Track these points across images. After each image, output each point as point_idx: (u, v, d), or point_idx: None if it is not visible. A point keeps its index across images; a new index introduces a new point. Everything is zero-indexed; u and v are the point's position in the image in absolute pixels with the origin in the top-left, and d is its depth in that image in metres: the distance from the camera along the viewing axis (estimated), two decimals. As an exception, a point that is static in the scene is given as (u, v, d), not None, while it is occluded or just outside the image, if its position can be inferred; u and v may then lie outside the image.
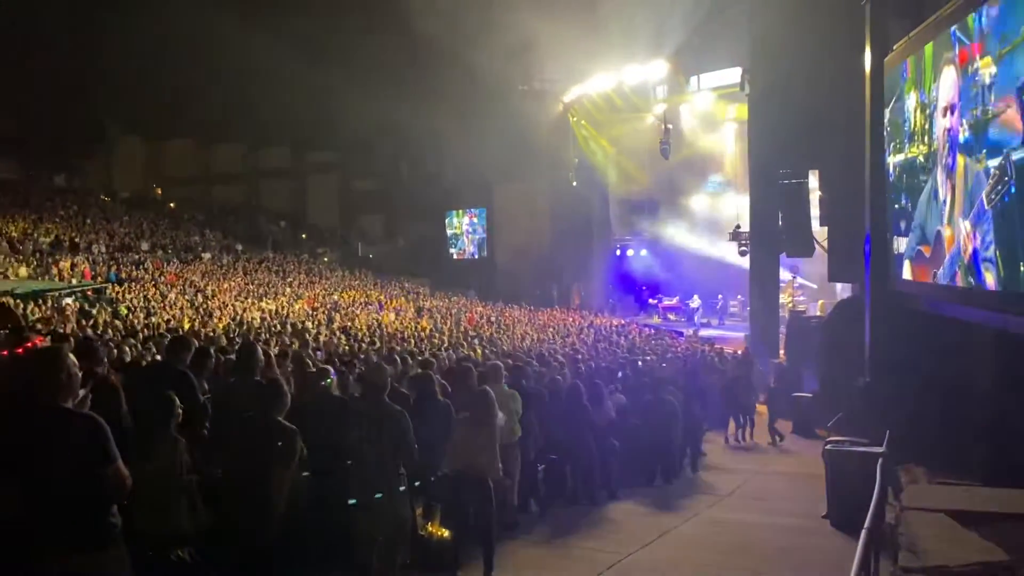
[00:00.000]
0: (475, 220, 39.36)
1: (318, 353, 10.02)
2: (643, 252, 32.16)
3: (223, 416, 4.77)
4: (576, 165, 30.03)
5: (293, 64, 31.10)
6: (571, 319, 25.51)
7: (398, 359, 8.47)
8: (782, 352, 17.68)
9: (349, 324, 19.19)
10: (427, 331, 18.36)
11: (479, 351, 13.06)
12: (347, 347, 12.97)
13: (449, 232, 40.29)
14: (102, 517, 3.05)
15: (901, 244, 9.30)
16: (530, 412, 7.21)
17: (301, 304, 23.61)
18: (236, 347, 7.19)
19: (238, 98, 35.98)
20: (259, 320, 18.70)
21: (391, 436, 4.71)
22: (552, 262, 33.67)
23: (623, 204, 32.29)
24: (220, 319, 18.62)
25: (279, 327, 16.99)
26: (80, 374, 3.18)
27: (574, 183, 30.06)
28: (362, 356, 10.21)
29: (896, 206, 9.44)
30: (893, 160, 9.51)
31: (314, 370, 5.80)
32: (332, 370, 5.71)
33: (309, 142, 41.60)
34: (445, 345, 14.24)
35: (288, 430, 4.33)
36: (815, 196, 15.98)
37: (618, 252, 32.59)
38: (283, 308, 22.22)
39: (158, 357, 8.47)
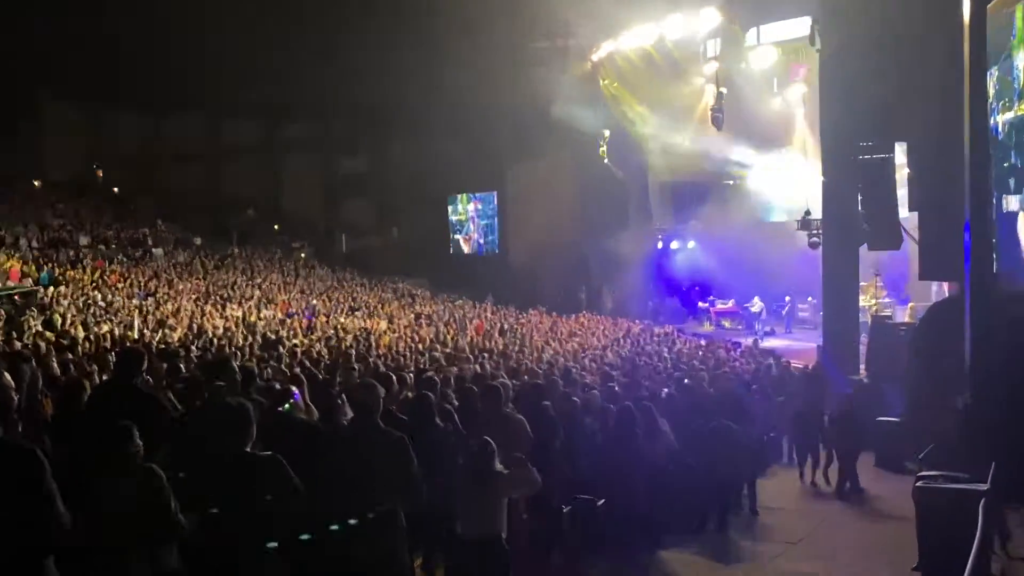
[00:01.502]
0: (481, 207, 39.56)
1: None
2: (691, 245, 32.11)
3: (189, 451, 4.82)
4: (607, 139, 30.07)
5: (265, 18, 31.25)
6: (603, 327, 25.49)
7: (394, 377, 8.52)
8: (863, 367, 17.59)
9: (332, 334, 19.32)
10: (426, 342, 18.42)
11: (487, 367, 13.11)
12: (328, 360, 13.09)
13: (453, 221, 40.40)
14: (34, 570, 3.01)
15: (1012, 202, 9.44)
16: (554, 443, 7.25)
17: (272, 310, 23.76)
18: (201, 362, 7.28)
19: (197, 59, 35.96)
20: (222, 329, 18.85)
21: (386, 467, 4.78)
22: (578, 257, 33.74)
23: (666, 186, 32.27)
24: (175, 328, 18.79)
25: (246, 337, 17.15)
26: (16, 397, 3.23)
27: (605, 160, 30.10)
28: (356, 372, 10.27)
29: (1005, 164, 9.58)
30: (1002, 118, 9.58)
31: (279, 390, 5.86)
32: (295, 391, 5.76)
33: (284, 113, 41.74)
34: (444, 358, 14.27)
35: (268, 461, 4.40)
36: (902, 175, 15.91)
37: (660, 245, 32.58)
38: (251, 314, 22.37)
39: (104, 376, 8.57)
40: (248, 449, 4.42)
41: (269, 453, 4.44)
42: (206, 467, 4.45)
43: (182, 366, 8.65)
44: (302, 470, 4.50)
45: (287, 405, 5.50)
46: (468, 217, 40.23)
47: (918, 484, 7.51)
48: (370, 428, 4.95)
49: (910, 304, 21.91)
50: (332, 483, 4.77)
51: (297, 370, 9.40)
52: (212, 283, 27.14)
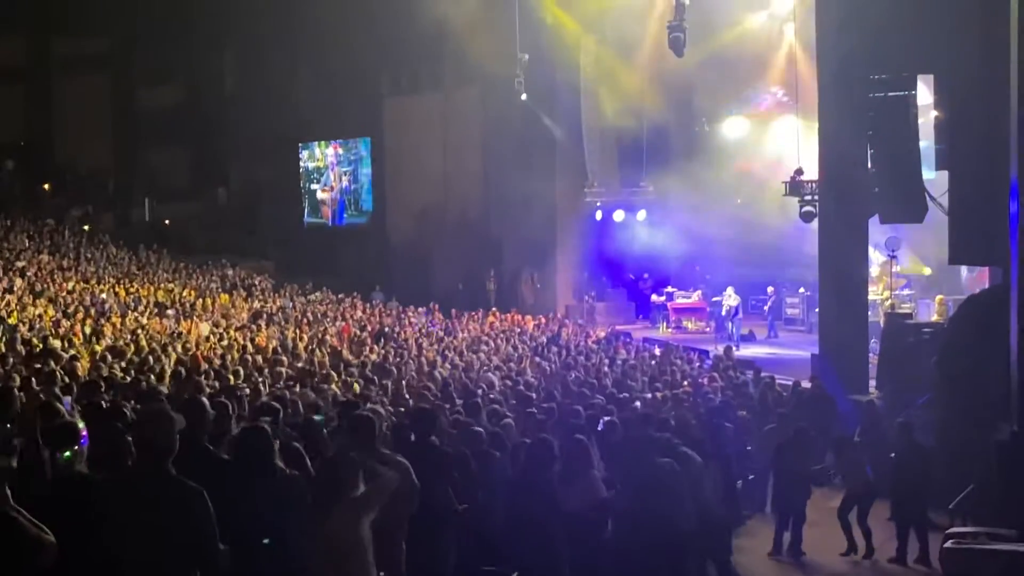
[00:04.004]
0: (345, 158, 39.16)
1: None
2: (641, 216, 32.33)
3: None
4: (526, 67, 29.96)
5: None
6: (520, 331, 25.47)
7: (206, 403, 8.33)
8: (872, 383, 17.96)
9: (127, 341, 18.84)
10: (268, 353, 18.14)
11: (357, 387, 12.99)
12: (123, 378, 12.88)
13: (306, 177, 39.91)
14: None
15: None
16: (445, 490, 7.24)
17: (43, 307, 23.03)
18: None
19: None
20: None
21: (177, 529, 4.77)
22: (485, 233, 33.75)
23: (608, 134, 32.40)
24: None
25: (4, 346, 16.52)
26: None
27: (523, 97, 30.00)
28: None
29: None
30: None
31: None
32: (82, 429, 5.54)
33: (57, 22, 40.44)
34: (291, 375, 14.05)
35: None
36: (928, 120, 16.26)
37: (600, 216, 32.72)
38: (10, 314, 21.62)
39: None
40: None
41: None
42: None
43: None
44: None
45: (67, 453, 5.26)
46: (328, 173, 39.76)
47: (948, 545, 7.64)
48: (155, 477, 4.90)
49: (937, 298, 22.50)
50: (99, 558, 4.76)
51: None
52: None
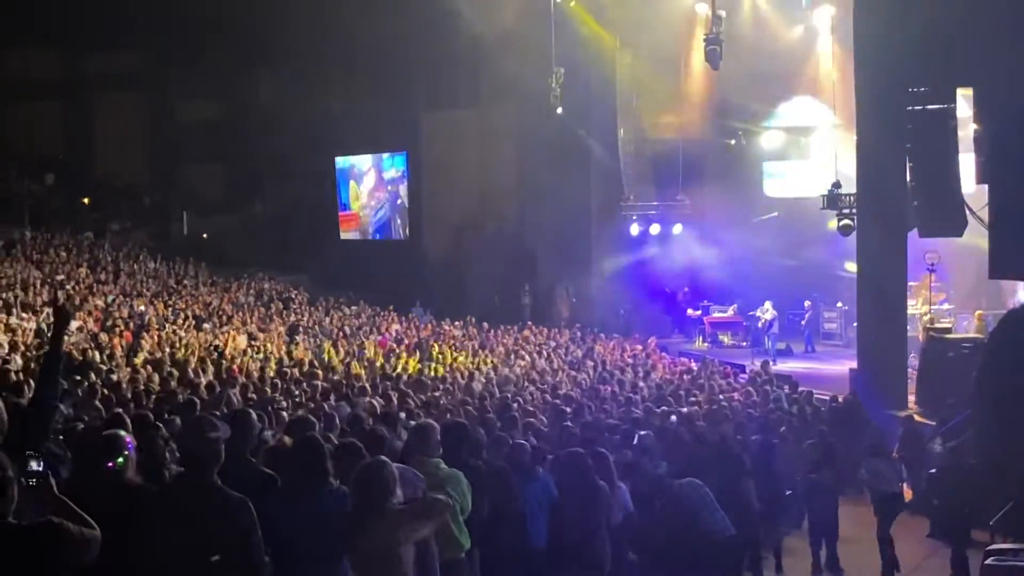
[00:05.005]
0: (385, 174, 39.28)
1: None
2: (677, 230, 32.28)
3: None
4: (561, 81, 30.01)
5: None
6: (555, 344, 25.46)
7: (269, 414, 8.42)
8: (911, 398, 17.82)
9: (167, 353, 18.95)
10: (304, 366, 18.21)
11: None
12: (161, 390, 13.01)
13: (344, 193, 40.08)
14: None
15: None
16: (483, 504, 7.24)
17: (81, 320, 23.23)
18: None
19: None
20: (7, 347, 18.38)
21: (222, 540, 4.78)
22: (521, 247, 33.76)
23: (643, 148, 32.38)
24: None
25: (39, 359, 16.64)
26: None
27: (559, 111, 30.05)
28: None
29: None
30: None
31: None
32: (127, 437, 5.57)
33: (94, 39, 40.83)
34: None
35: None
36: (967, 133, 16.16)
37: (636, 231, 32.68)
38: (47, 326, 21.83)
39: None
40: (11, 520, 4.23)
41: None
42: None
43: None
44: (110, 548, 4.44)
45: (120, 459, 5.30)
46: (364, 187, 39.87)
47: (989, 562, 7.56)
48: (200, 487, 4.92)
49: (977, 313, 22.33)
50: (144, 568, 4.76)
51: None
52: (-9, 281, 26.39)
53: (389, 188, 39.44)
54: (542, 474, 8.26)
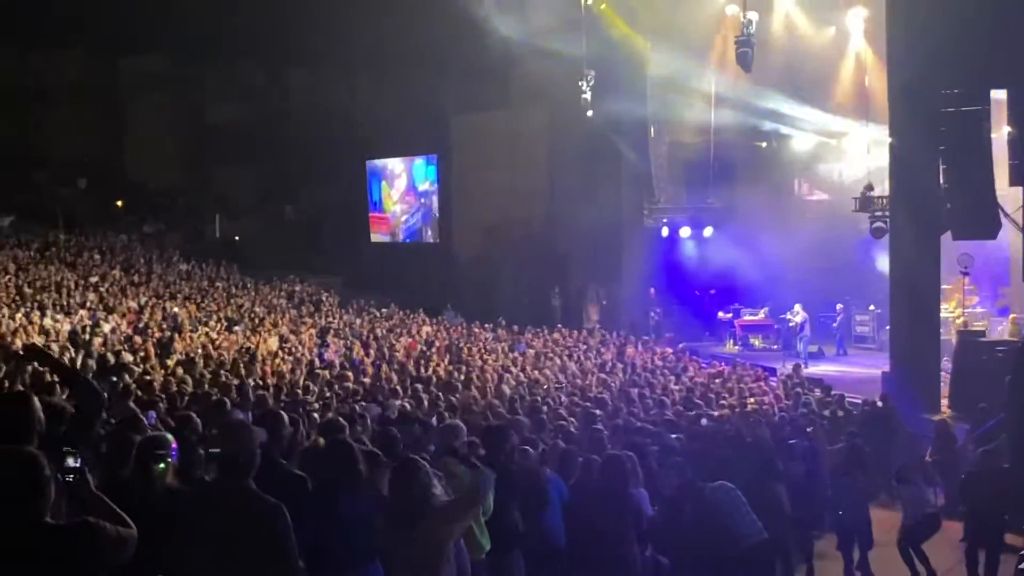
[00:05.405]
0: (416, 177, 39.39)
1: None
2: (708, 232, 32.19)
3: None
4: (592, 83, 30.01)
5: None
6: (585, 347, 25.46)
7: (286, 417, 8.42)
8: (944, 402, 17.72)
9: (198, 356, 19.06)
10: (336, 368, 18.24)
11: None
12: (194, 392, 13.02)
13: (374, 196, 40.20)
14: None
15: None
16: (513, 505, 7.27)
17: (115, 322, 23.40)
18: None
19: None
20: (42, 346, 18.48)
21: (257, 544, 4.78)
22: (551, 249, 33.74)
23: (675, 150, 32.35)
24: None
25: (73, 358, 16.75)
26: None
27: (589, 113, 30.04)
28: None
29: None
30: None
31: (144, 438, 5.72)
32: (171, 440, 5.62)
33: (126, 40, 41.08)
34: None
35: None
36: (1001, 135, 16.07)
37: (666, 232, 32.63)
38: (82, 328, 22.01)
39: None
40: (48, 519, 4.23)
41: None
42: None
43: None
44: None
45: (162, 465, 5.35)
46: (395, 190, 39.97)
47: (1023, 566, 7.55)
48: (236, 491, 4.93)
49: (1011, 316, 22.19)
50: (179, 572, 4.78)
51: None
52: (26, 282, 26.63)
53: (422, 200, 39.50)
54: (550, 474, 8.28)
